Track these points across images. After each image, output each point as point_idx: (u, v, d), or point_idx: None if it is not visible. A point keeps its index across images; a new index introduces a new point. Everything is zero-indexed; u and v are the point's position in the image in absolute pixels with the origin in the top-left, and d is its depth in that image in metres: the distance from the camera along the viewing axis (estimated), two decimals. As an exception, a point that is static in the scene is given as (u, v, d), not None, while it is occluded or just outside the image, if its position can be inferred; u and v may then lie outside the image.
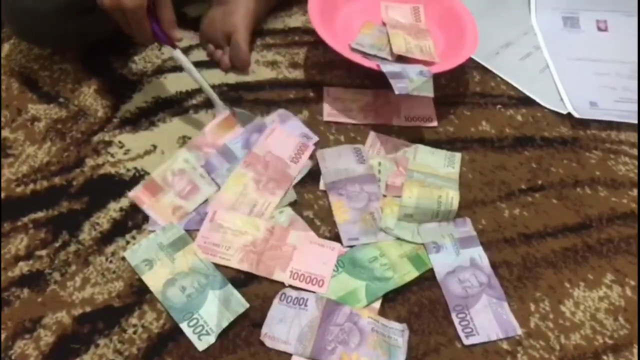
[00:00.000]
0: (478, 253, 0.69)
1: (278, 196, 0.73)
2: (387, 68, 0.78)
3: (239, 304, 0.64)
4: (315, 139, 0.81)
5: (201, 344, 0.61)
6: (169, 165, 0.74)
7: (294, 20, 1.00)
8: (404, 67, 0.79)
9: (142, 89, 0.86)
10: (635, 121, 0.87)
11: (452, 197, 0.73)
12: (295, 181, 0.76)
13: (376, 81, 0.88)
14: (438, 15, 0.93)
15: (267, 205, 0.72)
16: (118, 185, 0.74)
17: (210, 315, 0.63)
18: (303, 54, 0.94)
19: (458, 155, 0.80)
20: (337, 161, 0.78)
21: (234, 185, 0.74)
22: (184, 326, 0.62)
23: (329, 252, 0.68)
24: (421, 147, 0.81)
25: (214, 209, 0.71)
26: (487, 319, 0.64)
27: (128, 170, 0.76)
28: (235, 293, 0.65)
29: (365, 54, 0.86)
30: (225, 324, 0.62)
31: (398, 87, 0.75)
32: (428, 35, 0.91)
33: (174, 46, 0.77)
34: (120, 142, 0.79)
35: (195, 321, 0.62)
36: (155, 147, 0.79)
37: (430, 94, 0.77)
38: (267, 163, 0.76)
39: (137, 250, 0.67)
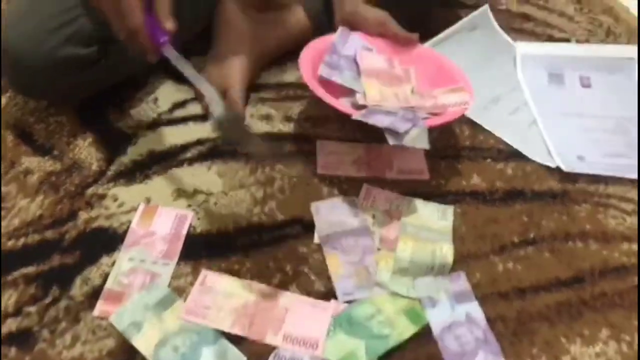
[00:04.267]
0: (473, 308, 0.69)
1: (406, 87, 0.89)
2: (380, 121, 0.79)
3: (236, 357, 0.63)
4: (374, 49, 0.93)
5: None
6: (117, 271, 0.70)
7: (288, 75, 1.02)
8: (398, 119, 0.80)
9: (137, 142, 0.86)
10: (623, 175, 0.89)
11: (446, 251, 0.73)
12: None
13: (369, 134, 0.90)
14: (431, 75, 0.95)
15: (405, 92, 0.88)
16: (111, 239, 0.74)
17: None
18: (297, 108, 0.96)
19: (450, 209, 0.81)
20: (331, 214, 0.79)
21: (372, 89, 0.87)
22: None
23: (322, 313, 0.67)
24: (414, 200, 0.82)
25: (205, 274, 0.70)
26: (484, 375, 0.63)
27: (122, 223, 0.75)
28: (231, 347, 0.64)
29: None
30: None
31: (392, 139, 0.76)
32: (405, 82, 0.92)
33: (167, 39, 0.70)
34: (114, 195, 0.79)
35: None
36: (149, 200, 0.79)
37: (426, 146, 0.78)
38: (378, 74, 0.89)
39: (123, 314, 0.66)
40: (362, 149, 0.89)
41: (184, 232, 0.75)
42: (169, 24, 0.69)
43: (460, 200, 0.83)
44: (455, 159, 0.90)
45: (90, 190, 0.79)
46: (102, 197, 0.79)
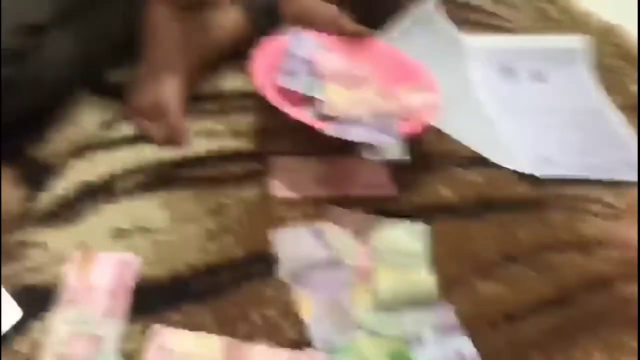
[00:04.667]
0: (463, 344, 0.63)
1: (368, 89, 0.82)
2: (356, 134, 0.71)
3: None
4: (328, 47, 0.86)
5: None
6: (54, 339, 0.58)
7: (229, 82, 0.92)
8: (372, 130, 0.73)
9: (63, 173, 0.74)
10: (593, 176, 0.86)
11: (428, 279, 0.67)
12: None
13: (324, 145, 0.82)
14: (390, 72, 0.88)
15: (368, 95, 0.81)
16: (42, 298, 0.62)
17: None
18: (243, 120, 0.86)
19: (422, 228, 0.75)
20: (296, 247, 0.70)
21: (334, 95, 0.80)
22: None
23: None
24: (383, 222, 0.75)
25: (159, 331, 0.60)
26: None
27: (54, 277, 0.64)
28: None
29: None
30: None
31: (371, 155, 0.69)
32: (365, 82, 0.85)
33: None
34: (41, 242, 0.67)
35: None
36: (84, 244, 0.67)
37: (407, 157, 0.72)
38: (336, 76, 0.83)
39: None
40: (320, 164, 0.81)
41: (129, 281, 0.64)
42: None
43: (431, 217, 0.77)
44: (421, 169, 0.83)
45: (12, 239, 0.67)
46: (27, 245, 0.66)
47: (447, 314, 0.66)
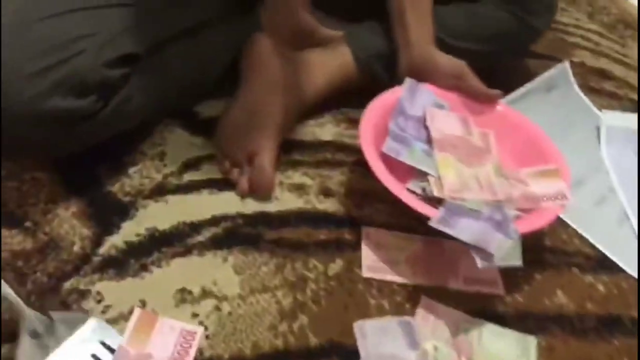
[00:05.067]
0: None
1: (488, 165, 0.72)
2: (465, 232, 0.61)
3: None
4: (446, 105, 0.78)
5: None
6: None
7: (326, 131, 0.83)
8: (486, 228, 0.62)
9: (135, 215, 0.67)
10: None
11: None
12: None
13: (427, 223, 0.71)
14: (514, 145, 0.77)
15: (488, 174, 0.70)
16: None
17: None
18: (336, 178, 0.77)
19: (533, 342, 0.63)
20: (381, 341, 0.60)
21: (448, 170, 0.70)
22: None
23: None
24: (487, 328, 0.63)
25: None
26: None
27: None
28: None
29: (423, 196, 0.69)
30: None
31: (481, 260, 0.58)
32: (485, 155, 0.74)
33: None
34: (98, 293, 0.60)
35: None
36: (144, 304, 0.60)
37: (519, 262, 0.60)
38: (452, 143, 0.73)
39: None
40: (419, 244, 0.71)
41: (190, 357, 0.56)
42: None
43: (543, 328, 0.65)
44: (535, 266, 0.71)
45: (68, 284, 0.60)
46: (83, 294, 0.59)
47: None
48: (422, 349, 0.60)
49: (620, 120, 0.92)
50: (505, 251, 0.59)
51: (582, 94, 0.94)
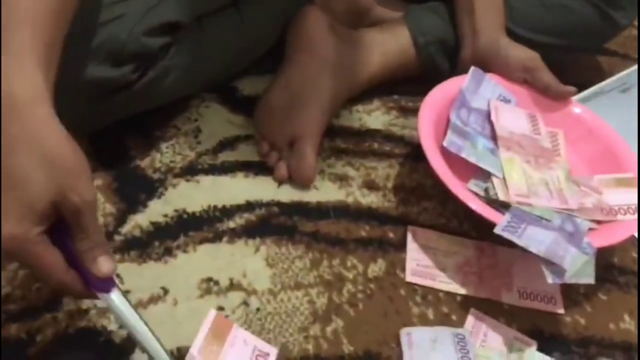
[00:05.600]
0: None
1: (558, 169, 0.64)
2: (534, 242, 0.53)
3: None
4: (513, 100, 0.71)
5: None
6: None
7: (374, 119, 0.76)
8: (556, 239, 0.54)
9: (163, 194, 0.62)
10: None
11: None
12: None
13: (480, 226, 0.64)
14: (586, 149, 0.70)
15: (558, 180, 0.63)
16: (103, 351, 0.50)
17: None
18: (383, 171, 0.70)
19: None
20: (430, 353, 0.53)
21: (514, 172, 0.63)
22: None
23: None
24: (539, 347, 0.56)
25: None
26: None
27: (121, 326, 0.52)
28: None
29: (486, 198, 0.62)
30: None
31: (551, 275, 0.51)
32: (554, 158, 0.67)
33: (108, 286, 0.42)
34: (118, 275, 0.55)
35: None
36: (166, 292, 0.55)
37: (591, 280, 0.53)
38: (519, 142, 0.66)
39: None
40: (470, 249, 0.64)
41: None
42: (105, 267, 0.41)
43: (607, 355, 0.58)
44: (598, 284, 0.63)
45: (85, 263, 0.55)
46: (100, 275, 0.55)
47: None
48: (472, 363, 0.53)
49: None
50: (579, 267, 0.52)
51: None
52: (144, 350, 0.43)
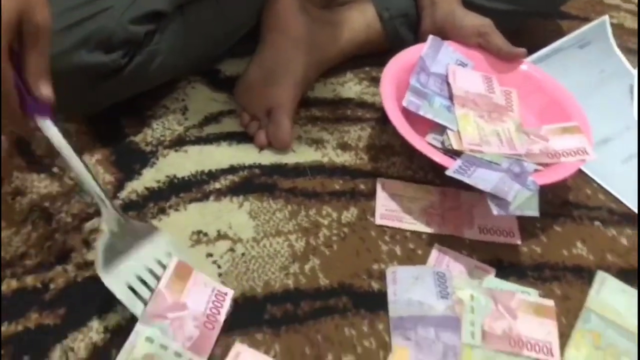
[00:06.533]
0: None
1: (509, 122, 0.71)
2: (482, 181, 0.60)
3: None
4: (470, 64, 0.78)
5: None
6: (128, 354, 0.51)
7: (347, 89, 0.84)
8: (503, 178, 0.61)
9: (155, 163, 0.70)
10: None
11: None
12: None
13: (444, 175, 0.71)
14: (536, 103, 0.76)
15: (508, 131, 0.70)
16: (106, 296, 0.57)
17: None
18: (354, 133, 0.77)
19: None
20: (412, 288, 0.60)
21: (468, 125, 0.69)
22: None
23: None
24: (610, 281, 0.63)
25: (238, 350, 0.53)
26: None
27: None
28: None
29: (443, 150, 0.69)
30: None
31: (496, 207, 0.58)
32: (507, 113, 0.73)
33: (45, 112, 0.50)
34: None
35: None
36: (161, 244, 0.62)
37: (536, 213, 0.60)
38: (474, 100, 0.72)
39: None
40: (434, 194, 0.70)
41: (222, 318, 0.55)
42: (46, 90, 0.48)
43: (559, 278, 0.64)
44: (555, 218, 0.70)
45: (89, 224, 0.63)
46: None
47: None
48: (452, 298, 0.59)
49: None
50: (523, 201, 0.59)
51: (618, 51, 0.90)
52: (77, 181, 0.50)
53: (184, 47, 0.75)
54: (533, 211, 0.61)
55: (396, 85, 0.73)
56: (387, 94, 0.71)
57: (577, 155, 0.68)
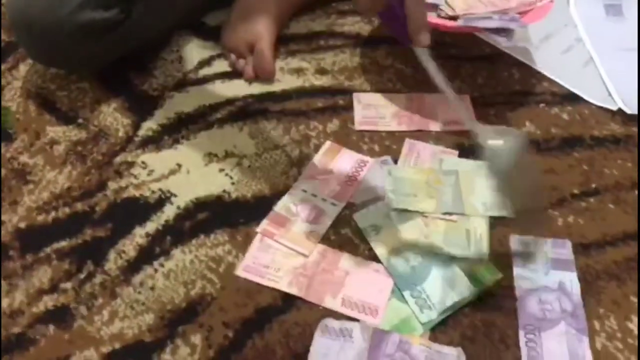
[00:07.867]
0: (570, 279, 0.63)
1: None
2: (486, 23, 0.75)
3: (466, 286, 0.62)
4: None
5: (423, 317, 0.60)
6: (288, 197, 0.71)
7: (318, 24, 0.95)
8: (502, 21, 0.76)
9: (163, 104, 0.82)
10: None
11: (480, 234, 0.67)
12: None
13: (409, 84, 0.84)
14: None
15: None
16: (143, 209, 0.70)
17: (434, 291, 0.62)
18: (330, 59, 0.89)
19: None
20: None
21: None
22: (407, 295, 0.62)
23: (385, 279, 0.63)
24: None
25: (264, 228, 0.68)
26: (559, 348, 0.58)
27: (153, 192, 0.72)
28: (461, 275, 0.63)
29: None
30: (449, 303, 0.61)
31: (504, 40, 0.75)
32: None
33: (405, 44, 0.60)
34: (143, 162, 0.75)
35: (418, 293, 0.62)
36: (180, 166, 0.75)
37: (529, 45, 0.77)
38: None
39: (367, 215, 0.69)
40: (402, 100, 0.83)
41: (360, 177, 0.73)
42: (422, 40, 0.58)
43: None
44: (506, 105, 0.83)
45: (118, 159, 0.75)
46: (131, 165, 0.75)
47: (565, 251, 0.66)
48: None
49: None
50: (519, 35, 0.75)
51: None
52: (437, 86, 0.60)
53: (172, 5, 0.86)
54: (527, 43, 0.78)
55: None
56: None
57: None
